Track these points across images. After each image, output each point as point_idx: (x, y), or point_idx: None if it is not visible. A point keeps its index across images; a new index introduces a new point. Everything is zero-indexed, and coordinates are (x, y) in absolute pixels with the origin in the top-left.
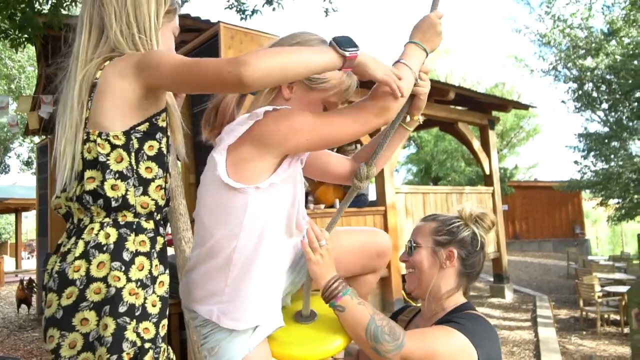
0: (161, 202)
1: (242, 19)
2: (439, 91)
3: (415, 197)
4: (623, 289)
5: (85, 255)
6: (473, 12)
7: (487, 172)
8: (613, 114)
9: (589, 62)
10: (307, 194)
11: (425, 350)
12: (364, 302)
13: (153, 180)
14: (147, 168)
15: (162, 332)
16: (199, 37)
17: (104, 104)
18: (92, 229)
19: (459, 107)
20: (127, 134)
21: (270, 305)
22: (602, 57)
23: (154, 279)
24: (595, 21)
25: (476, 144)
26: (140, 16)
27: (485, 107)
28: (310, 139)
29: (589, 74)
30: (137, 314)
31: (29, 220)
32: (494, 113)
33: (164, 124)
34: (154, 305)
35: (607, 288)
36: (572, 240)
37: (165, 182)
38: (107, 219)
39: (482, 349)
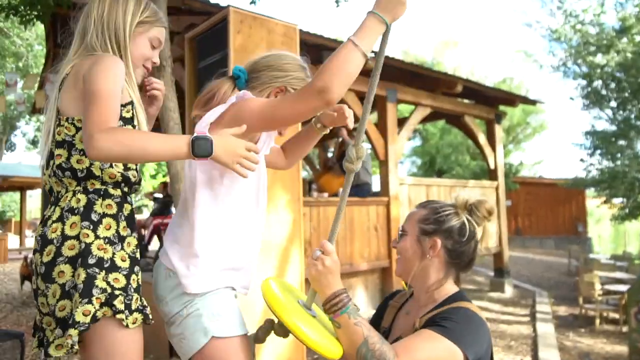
0: (132, 178)
1: (251, 2)
2: (447, 83)
3: (418, 189)
4: (623, 287)
5: (61, 218)
6: (483, 3)
7: (492, 167)
8: (621, 112)
9: (599, 59)
10: (310, 183)
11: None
12: (361, 322)
13: None
14: None
15: (134, 284)
16: (207, 21)
17: (68, 94)
18: (67, 197)
19: (466, 100)
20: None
21: (231, 270)
22: (612, 54)
23: (121, 238)
24: (607, 17)
25: (482, 138)
26: (113, 25)
27: (492, 101)
28: (259, 120)
29: (598, 71)
30: (106, 265)
31: (34, 199)
32: (501, 108)
33: (128, 115)
34: (123, 260)
35: (608, 286)
36: (574, 238)
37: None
38: (78, 187)
39: (469, 350)
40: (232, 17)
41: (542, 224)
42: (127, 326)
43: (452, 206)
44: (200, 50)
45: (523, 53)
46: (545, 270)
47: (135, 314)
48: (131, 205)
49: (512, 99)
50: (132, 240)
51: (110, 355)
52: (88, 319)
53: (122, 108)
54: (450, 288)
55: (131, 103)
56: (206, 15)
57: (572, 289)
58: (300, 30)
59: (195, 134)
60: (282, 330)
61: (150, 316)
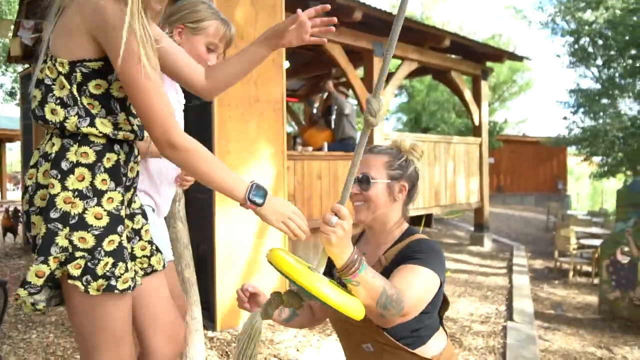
0: (115, 135)
1: None
2: (434, 37)
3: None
4: (598, 242)
5: (36, 165)
6: None
7: (477, 123)
8: (606, 70)
9: (588, 15)
10: (295, 137)
11: (414, 298)
12: (375, 275)
13: (96, 116)
14: (89, 104)
15: (109, 246)
16: None
17: (60, 29)
18: (44, 139)
19: (453, 56)
20: (73, 65)
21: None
22: (601, 11)
23: (98, 192)
24: None
25: (468, 95)
26: None
27: (479, 56)
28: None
29: (587, 27)
30: (71, 222)
31: (14, 152)
32: (488, 64)
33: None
34: (97, 218)
35: (583, 241)
36: (554, 196)
37: (125, 123)
38: (56, 130)
39: (441, 273)
40: None
41: (523, 182)
42: (87, 292)
43: (398, 150)
44: None
45: (512, 9)
46: (524, 226)
47: (101, 281)
48: (117, 155)
49: (500, 55)
50: (115, 196)
51: (81, 319)
52: (41, 281)
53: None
54: (404, 225)
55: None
56: None
57: (549, 244)
58: None
59: (255, 182)
60: (294, 300)
61: (119, 285)
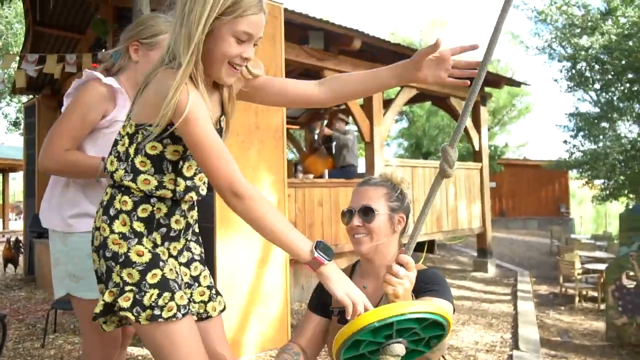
0: (151, 193)
1: None
2: None
3: (404, 170)
4: (602, 266)
5: (98, 210)
6: None
7: (477, 149)
8: (604, 94)
9: (584, 40)
10: (296, 164)
11: None
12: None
13: (144, 173)
14: (141, 162)
15: (152, 279)
16: None
17: (142, 97)
18: (105, 189)
19: None
20: (138, 127)
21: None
22: (597, 36)
23: (138, 234)
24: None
25: (467, 120)
26: (189, 20)
27: None
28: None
29: (583, 53)
30: (120, 260)
31: (17, 182)
32: (487, 89)
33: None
34: (139, 255)
35: (587, 265)
36: (557, 219)
37: (170, 183)
38: (110, 182)
39: (452, 301)
40: None
41: (525, 205)
42: (138, 322)
43: (392, 182)
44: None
45: (510, 34)
46: (528, 250)
47: (149, 311)
48: (152, 206)
49: (498, 81)
50: (147, 242)
51: (147, 346)
52: (99, 309)
53: (172, 126)
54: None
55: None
56: None
57: (553, 269)
58: (285, 9)
59: (322, 241)
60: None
61: (164, 314)
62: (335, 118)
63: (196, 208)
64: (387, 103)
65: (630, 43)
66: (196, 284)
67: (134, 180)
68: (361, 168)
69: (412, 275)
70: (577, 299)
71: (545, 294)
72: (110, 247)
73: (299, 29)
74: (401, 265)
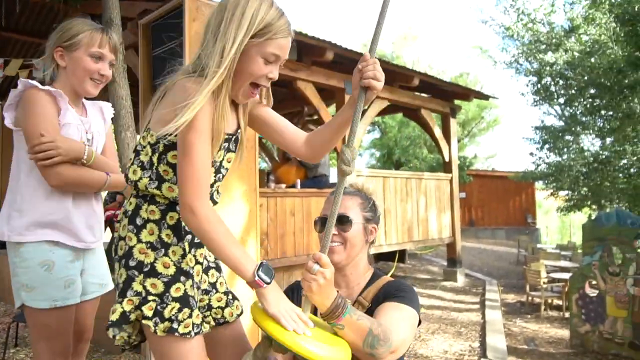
0: (175, 199)
1: None
2: (404, 77)
3: (375, 180)
4: (567, 275)
5: (120, 220)
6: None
7: (447, 160)
8: (568, 108)
9: (549, 56)
10: (268, 173)
11: (402, 334)
12: (361, 316)
13: (167, 181)
14: (164, 170)
15: (175, 293)
16: (163, 7)
17: (160, 107)
18: (127, 200)
19: (423, 94)
20: (159, 138)
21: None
22: (561, 53)
23: (165, 245)
24: (557, 17)
25: (437, 131)
26: (224, 38)
27: (448, 95)
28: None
29: (548, 68)
30: (145, 270)
31: None
32: (457, 102)
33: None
34: (166, 267)
35: (553, 275)
36: (524, 229)
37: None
38: (133, 191)
39: (419, 311)
40: (188, 4)
41: (494, 215)
42: (155, 333)
43: (363, 192)
44: (155, 37)
45: (479, 49)
46: (496, 260)
47: (167, 323)
48: (179, 214)
49: (467, 94)
50: (177, 250)
51: (156, 355)
52: (115, 317)
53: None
54: (369, 267)
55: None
56: (161, 1)
57: (520, 278)
58: None
59: (265, 262)
60: (281, 348)
61: (180, 329)
62: (306, 128)
63: None
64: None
65: (592, 60)
66: (214, 291)
67: (159, 187)
68: (333, 178)
69: (328, 272)
70: (542, 307)
71: (513, 303)
72: (136, 257)
73: None
74: (316, 262)
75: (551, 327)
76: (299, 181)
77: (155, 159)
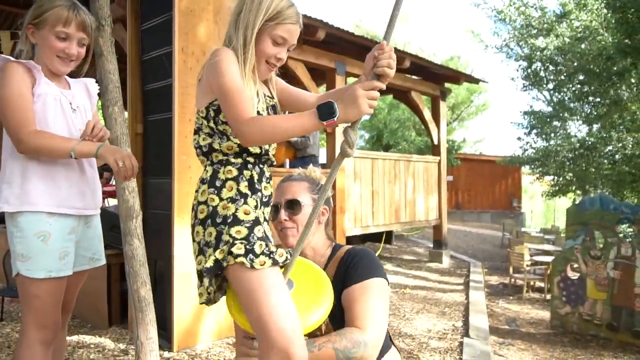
0: (251, 150)
1: None
2: (395, 58)
3: (364, 161)
4: (549, 259)
5: (198, 188)
6: None
7: (436, 142)
8: (557, 94)
9: (540, 41)
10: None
11: (375, 321)
12: (322, 344)
13: (229, 136)
14: (224, 129)
15: (259, 233)
16: None
17: (199, 91)
18: (203, 171)
19: (414, 77)
20: (207, 108)
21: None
22: (552, 38)
23: (243, 195)
24: (549, 2)
25: (427, 114)
26: (245, 21)
27: (438, 77)
28: None
29: (538, 53)
30: (228, 221)
31: None
32: (447, 85)
33: None
34: (246, 214)
35: (536, 257)
36: (509, 213)
37: None
38: (207, 162)
39: (383, 274)
40: None
41: (480, 199)
42: (252, 267)
43: (311, 178)
44: (144, 11)
45: (470, 32)
46: (481, 243)
47: (262, 257)
48: (250, 171)
49: (458, 77)
50: (252, 201)
51: (251, 294)
52: (210, 264)
53: None
54: (330, 243)
55: None
56: None
57: (504, 260)
58: None
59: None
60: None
61: (277, 258)
62: None
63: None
64: None
65: (583, 46)
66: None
67: (229, 139)
68: (322, 159)
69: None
70: (525, 289)
71: (496, 284)
72: (221, 213)
73: None
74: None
75: (532, 308)
76: (287, 161)
77: (212, 124)
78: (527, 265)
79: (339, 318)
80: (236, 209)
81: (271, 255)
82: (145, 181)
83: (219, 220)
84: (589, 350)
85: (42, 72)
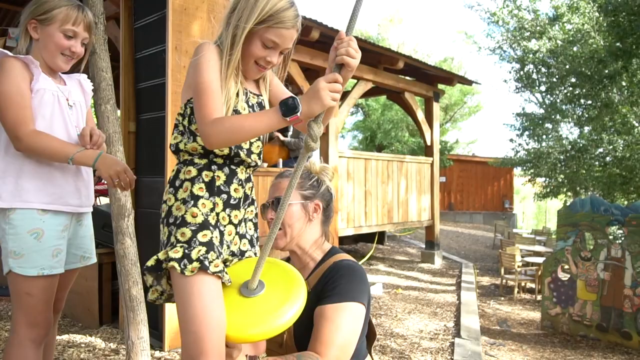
0: (217, 152)
1: None
2: (389, 59)
3: (357, 162)
4: (541, 260)
5: (165, 187)
6: None
7: (429, 143)
8: (549, 96)
9: (533, 44)
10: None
11: (338, 350)
12: None
13: (199, 135)
14: (195, 128)
15: (203, 239)
16: None
17: (184, 84)
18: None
19: (407, 77)
20: (185, 105)
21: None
22: (544, 41)
23: (195, 197)
24: (543, 5)
25: (420, 115)
26: (237, 19)
27: (432, 79)
28: None
29: (531, 56)
30: (177, 222)
31: None
32: (440, 86)
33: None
34: (194, 217)
35: (527, 259)
36: (501, 214)
37: None
38: (176, 161)
39: (364, 298)
40: None
41: (472, 200)
42: (182, 273)
43: (310, 172)
44: (137, 9)
45: (464, 34)
46: (473, 244)
47: (195, 263)
48: (214, 173)
49: (451, 78)
50: (208, 203)
51: (179, 298)
52: (151, 262)
53: None
54: (325, 245)
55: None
56: None
57: (495, 261)
58: None
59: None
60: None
61: (211, 267)
62: None
63: (252, 181)
64: (343, 95)
65: (575, 49)
66: (240, 257)
67: (194, 140)
68: (315, 159)
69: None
70: (516, 290)
71: (487, 285)
72: (174, 214)
73: None
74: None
75: (523, 309)
76: (281, 161)
77: (186, 122)
78: (519, 266)
79: (306, 332)
80: (185, 211)
81: (204, 263)
82: (137, 180)
83: (171, 220)
84: (578, 351)
85: (38, 65)
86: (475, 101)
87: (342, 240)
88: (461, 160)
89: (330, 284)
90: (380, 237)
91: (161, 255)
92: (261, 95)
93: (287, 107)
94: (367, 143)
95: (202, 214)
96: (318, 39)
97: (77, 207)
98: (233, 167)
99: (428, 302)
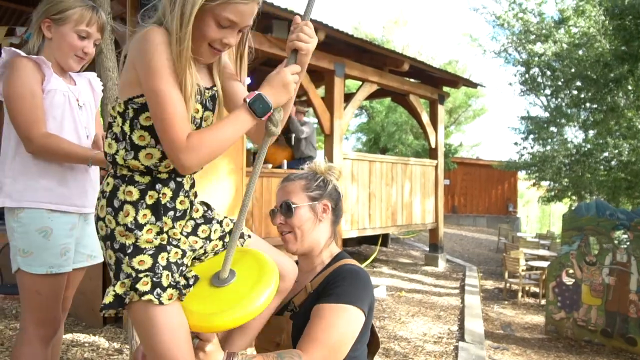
0: (156, 167)
1: None
2: (394, 61)
3: (361, 164)
4: (545, 264)
5: (99, 199)
6: None
7: (433, 146)
8: (554, 100)
9: (538, 47)
10: (254, 153)
11: (326, 350)
12: None
13: (144, 147)
14: (140, 136)
15: (163, 260)
16: None
17: (122, 73)
18: (105, 178)
19: (412, 80)
20: (126, 103)
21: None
22: (550, 44)
23: (140, 226)
24: (548, 8)
25: (425, 117)
26: (182, 2)
27: (437, 81)
28: None
29: (536, 59)
30: (128, 251)
31: None
32: (445, 89)
33: None
34: (149, 242)
35: (531, 263)
36: (504, 217)
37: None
38: (111, 170)
39: (364, 304)
40: None
41: (476, 203)
42: (160, 303)
43: (315, 173)
44: (143, 7)
45: (469, 37)
46: (477, 247)
47: (170, 290)
48: (158, 193)
49: (456, 81)
50: (154, 228)
51: (145, 328)
52: (109, 299)
53: None
54: (333, 249)
55: None
56: None
57: (499, 265)
58: None
59: (245, 100)
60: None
61: (185, 291)
62: (295, 109)
63: (195, 183)
64: (347, 97)
65: (580, 52)
66: (208, 241)
67: (136, 157)
68: (320, 159)
69: (208, 346)
70: (520, 294)
71: (491, 289)
72: (118, 239)
73: (263, 18)
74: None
75: (527, 313)
76: (285, 162)
77: (127, 128)
78: (523, 270)
79: (303, 328)
80: (136, 239)
81: (177, 286)
82: None
83: (116, 246)
84: (582, 356)
85: (49, 65)
86: (479, 104)
87: (346, 242)
88: (465, 163)
89: (332, 284)
90: (384, 239)
91: (119, 289)
92: (214, 87)
93: (260, 107)
94: (370, 145)
95: (154, 237)
96: (323, 40)
97: (82, 208)
98: (179, 179)
99: (432, 305)
